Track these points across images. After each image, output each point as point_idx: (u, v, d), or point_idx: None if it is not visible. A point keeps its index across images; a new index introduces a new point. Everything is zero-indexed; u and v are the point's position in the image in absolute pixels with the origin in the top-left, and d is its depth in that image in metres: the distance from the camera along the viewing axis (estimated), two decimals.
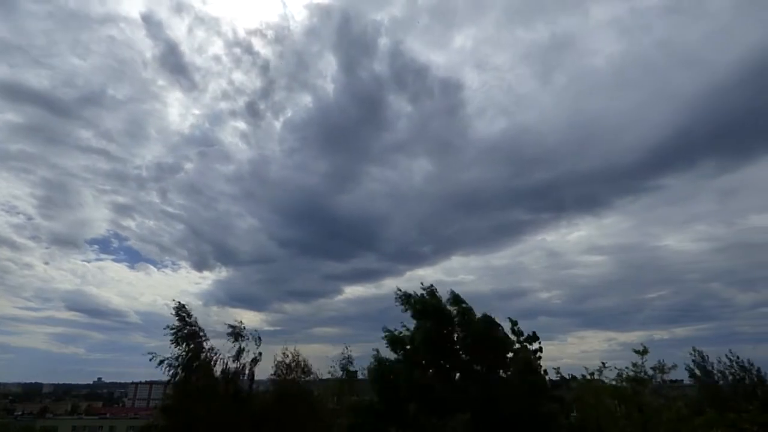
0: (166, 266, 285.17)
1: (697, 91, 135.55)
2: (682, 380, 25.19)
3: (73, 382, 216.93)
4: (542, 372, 20.31)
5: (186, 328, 19.55)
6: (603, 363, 19.27)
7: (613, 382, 18.71)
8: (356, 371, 30.04)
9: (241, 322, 20.88)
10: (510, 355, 20.77)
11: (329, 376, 27.64)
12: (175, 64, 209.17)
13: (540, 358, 20.63)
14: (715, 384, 24.44)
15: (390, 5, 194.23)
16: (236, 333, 20.51)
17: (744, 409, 17.33)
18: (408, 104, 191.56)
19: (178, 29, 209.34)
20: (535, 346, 20.96)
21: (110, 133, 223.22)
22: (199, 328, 19.94)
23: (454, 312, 21.21)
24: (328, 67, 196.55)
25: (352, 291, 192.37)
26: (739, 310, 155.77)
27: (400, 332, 21.76)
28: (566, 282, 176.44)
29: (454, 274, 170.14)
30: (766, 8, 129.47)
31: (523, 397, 18.46)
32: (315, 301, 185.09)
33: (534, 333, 21.18)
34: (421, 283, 22.11)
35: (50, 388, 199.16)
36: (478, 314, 21.22)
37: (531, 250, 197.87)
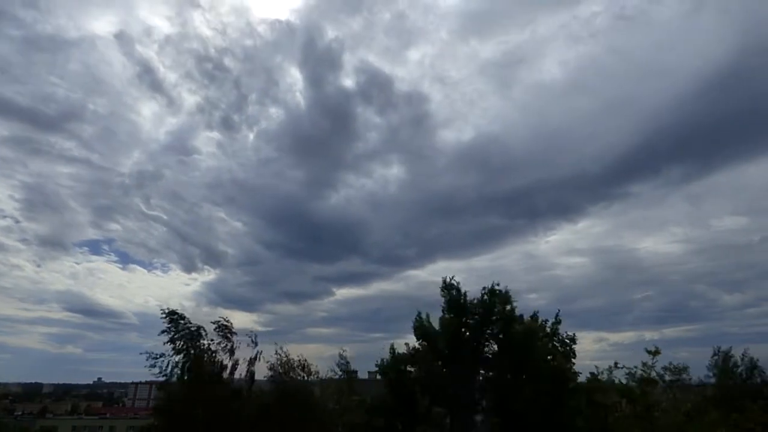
0: (156, 268, 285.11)
1: (659, 102, 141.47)
2: (690, 379, 24.95)
3: (73, 382, 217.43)
4: (569, 378, 19.60)
5: (181, 331, 19.32)
6: (615, 363, 19.01)
7: (623, 382, 18.47)
8: (356, 371, 29.85)
9: (226, 318, 20.50)
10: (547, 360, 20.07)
11: (330, 375, 27.48)
12: (151, 81, 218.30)
13: (573, 361, 20.06)
14: (728, 383, 24.17)
15: (350, 23, 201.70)
16: (224, 333, 20.12)
17: (750, 409, 17.14)
18: (376, 116, 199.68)
19: (150, 47, 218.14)
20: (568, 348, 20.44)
21: (91, 143, 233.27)
22: (194, 329, 19.71)
23: (497, 309, 20.67)
24: (296, 82, 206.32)
25: (342, 293, 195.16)
26: (725, 311, 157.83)
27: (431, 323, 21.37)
28: (551, 284, 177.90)
29: (441, 275, 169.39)
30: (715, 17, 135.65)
31: (549, 409, 17.91)
32: (305, 302, 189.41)
33: (574, 335, 20.66)
34: (445, 278, 21.85)
35: (50, 388, 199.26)
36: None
37: (511, 254, 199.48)
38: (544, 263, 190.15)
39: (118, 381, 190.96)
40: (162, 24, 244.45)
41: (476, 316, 20.60)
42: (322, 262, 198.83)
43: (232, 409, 19.07)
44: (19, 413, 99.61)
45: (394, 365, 20.90)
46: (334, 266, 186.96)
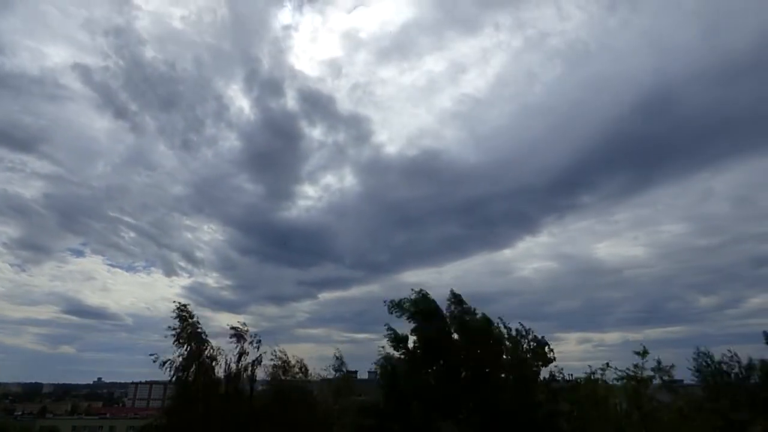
0: (138, 271, 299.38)
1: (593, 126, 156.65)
2: (682, 380, 25.27)
3: (73, 382, 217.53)
4: (536, 371, 20.23)
5: (188, 329, 19.58)
6: (607, 363, 19.33)
7: (615, 383, 18.78)
8: (356, 371, 30.14)
9: (244, 324, 20.96)
10: (506, 356, 20.70)
11: (326, 375, 27.77)
12: (115, 108, 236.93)
13: (545, 357, 20.46)
14: (717, 384, 24.50)
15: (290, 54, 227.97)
16: (239, 334, 20.58)
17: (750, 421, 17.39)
18: (323, 135, 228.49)
19: (112, 75, 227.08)
20: (532, 345, 20.85)
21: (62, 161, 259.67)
22: (200, 329, 20.01)
23: (455, 312, 21.21)
24: (245, 107, 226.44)
25: (324, 296, 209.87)
26: (704, 312, 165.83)
27: (403, 333, 21.69)
28: (522, 288, 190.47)
29: (415, 280, 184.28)
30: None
31: (518, 398, 18.46)
32: (289, 304, 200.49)
33: (543, 337, 21.07)
34: (412, 289, 21.98)
35: (50, 388, 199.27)
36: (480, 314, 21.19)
37: (479, 261, 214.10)
38: (511, 267, 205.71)
39: (118, 381, 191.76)
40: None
41: (440, 321, 20.96)
42: (298, 267, 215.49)
43: (234, 409, 19.38)
44: (19, 413, 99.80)
45: (386, 370, 21.18)
46: (310, 271, 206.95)
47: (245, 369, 20.23)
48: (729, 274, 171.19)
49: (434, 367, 20.97)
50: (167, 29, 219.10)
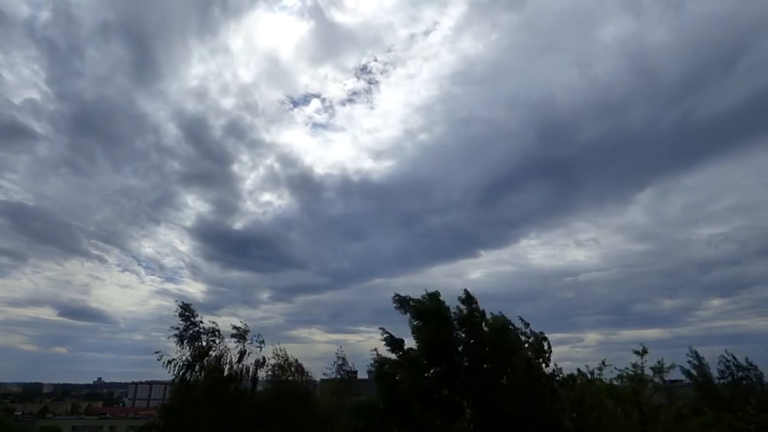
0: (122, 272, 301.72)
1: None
2: (680, 380, 25.37)
3: (73, 382, 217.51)
4: (543, 371, 20.30)
5: (191, 329, 19.70)
6: (603, 362, 19.48)
7: (614, 382, 18.92)
8: (356, 371, 30.24)
9: (246, 324, 21.07)
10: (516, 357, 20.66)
11: (324, 377, 27.91)
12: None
13: (548, 357, 20.59)
14: (712, 384, 24.60)
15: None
16: (240, 334, 20.67)
17: (741, 409, 17.53)
18: (252, 165, 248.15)
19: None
20: (544, 345, 20.93)
21: None
22: (204, 329, 20.11)
23: (465, 312, 21.23)
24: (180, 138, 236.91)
25: (300, 300, 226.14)
26: (675, 315, 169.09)
27: (399, 337, 21.77)
28: (488, 292, 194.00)
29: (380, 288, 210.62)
30: None
31: (524, 399, 18.50)
32: (265, 306, 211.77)
33: (542, 333, 21.22)
34: (425, 290, 21.96)
35: (50, 388, 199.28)
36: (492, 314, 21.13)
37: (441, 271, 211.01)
38: (470, 275, 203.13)
39: (118, 381, 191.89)
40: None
41: (446, 321, 21.00)
42: (263, 272, 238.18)
43: (235, 410, 19.46)
44: (19, 413, 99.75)
45: (381, 371, 21.25)
46: (279, 277, 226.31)
47: (247, 369, 20.31)
48: (684, 279, 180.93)
49: (436, 368, 20.99)
50: None
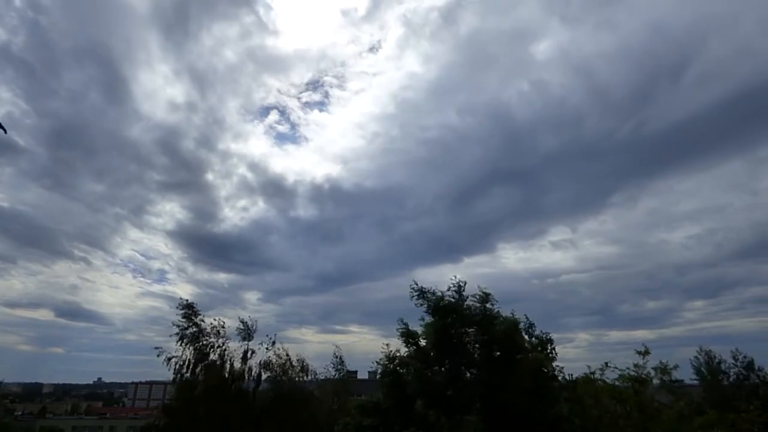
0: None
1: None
2: (683, 380, 25.26)
3: (73, 382, 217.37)
4: (549, 371, 20.14)
5: (192, 328, 19.62)
6: (606, 363, 19.34)
7: (616, 383, 18.78)
8: (356, 371, 30.16)
9: (254, 320, 20.84)
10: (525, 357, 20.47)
11: (323, 375, 27.80)
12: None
13: (554, 359, 20.47)
14: (719, 383, 24.49)
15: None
16: (246, 332, 20.45)
17: (745, 409, 17.41)
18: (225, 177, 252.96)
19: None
20: (548, 348, 20.81)
21: None
22: (203, 328, 20.00)
23: (478, 311, 21.08)
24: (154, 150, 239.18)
25: (288, 301, 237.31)
26: (661, 316, 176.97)
27: (414, 329, 21.48)
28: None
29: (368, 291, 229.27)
30: None
31: (532, 401, 18.33)
32: (247, 308, 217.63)
33: (548, 335, 21.09)
34: (452, 277, 21.21)
35: (50, 388, 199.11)
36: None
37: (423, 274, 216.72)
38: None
39: (118, 381, 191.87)
40: None
41: (456, 317, 20.73)
42: (248, 275, 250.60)
43: (236, 410, 19.39)
44: (19, 413, 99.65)
45: (388, 367, 21.07)
46: (264, 280, 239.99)
47: (250, 369, 20.19)
48: (665, 281, 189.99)
49: (446, 365, 20.75)
50: None
